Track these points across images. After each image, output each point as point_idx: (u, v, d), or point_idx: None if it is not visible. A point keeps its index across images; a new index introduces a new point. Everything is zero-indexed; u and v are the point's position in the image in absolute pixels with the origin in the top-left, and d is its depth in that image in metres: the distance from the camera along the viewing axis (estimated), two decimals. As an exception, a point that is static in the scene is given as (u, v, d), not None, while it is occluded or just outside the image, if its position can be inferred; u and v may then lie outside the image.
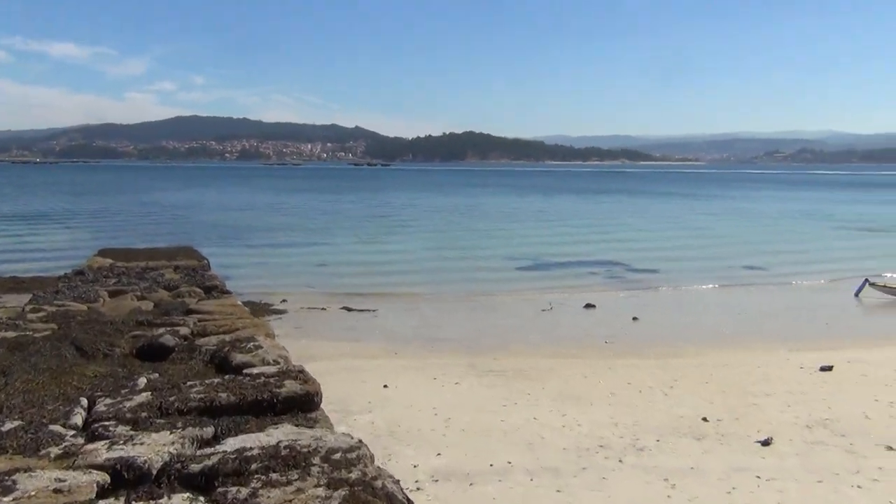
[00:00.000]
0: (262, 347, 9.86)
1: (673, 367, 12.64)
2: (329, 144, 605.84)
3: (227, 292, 17.31)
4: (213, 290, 17.43)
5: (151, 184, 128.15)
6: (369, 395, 10.55)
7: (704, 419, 9.50)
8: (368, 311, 20.15)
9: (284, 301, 21.81)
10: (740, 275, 27.57)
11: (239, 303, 14.84)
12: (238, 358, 8.94)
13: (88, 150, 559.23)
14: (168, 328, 11.46)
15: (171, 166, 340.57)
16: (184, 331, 11.39)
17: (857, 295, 22.23)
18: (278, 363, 9.30)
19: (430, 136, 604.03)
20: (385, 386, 11.09)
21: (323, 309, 20.40)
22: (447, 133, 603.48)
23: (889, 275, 25.15)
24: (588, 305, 20.71)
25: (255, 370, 8.16)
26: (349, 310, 20.40)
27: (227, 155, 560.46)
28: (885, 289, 22.14)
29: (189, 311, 13.46)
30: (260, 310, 19.94)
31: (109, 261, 25.02)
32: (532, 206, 70.06)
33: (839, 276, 26.69)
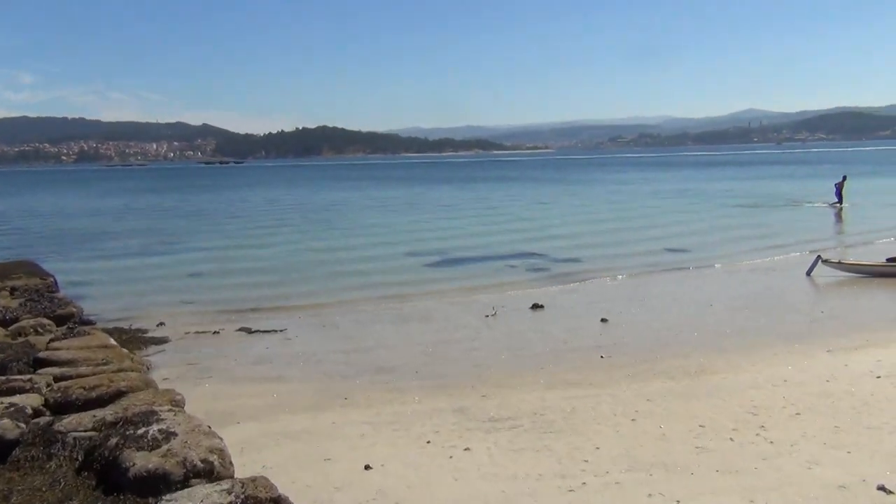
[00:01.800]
0: (172, 433, 6.07)
1: (726, 390, 9.73)
2: (176, 143, 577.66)
3: (89, 321, 13.00)
4: (69, 319, 13.07)
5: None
6: (352, 489, 6.87)
7: (884, 489, 6.52)
8: (274, 331, 16.19)
9: (162, 325, 17.45)
10: (670, 259, 25.47)
11: (110, 340, 10.70)
12: (137, 462, 5.28)
13: None
14: (4, 399, 7.59)
15: (0, 171, 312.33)
16: (32, 401, 7.47)
17: (808, 274, 20.47)
18: (211, 467, 5.56)
19: (282, 131, 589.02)
20: (367, 467, 7.41)
21: (216, 333, 16.25)
22: (300, 128, 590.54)
23: (837, 249, 23.85)
24: (535, 306, 17.68)
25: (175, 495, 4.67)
26: (250, 331, 16.35)
27: (63, 158, 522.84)
28: (841, 265, 20.48)
29: (39, 362, 9.31)
30: (133, 339, 15.68)
31: None
32: (404, 198, 66.71)
33: (769, 255, 25.16)
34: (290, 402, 10.33)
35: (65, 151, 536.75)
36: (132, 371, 8.77)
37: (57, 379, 8.52)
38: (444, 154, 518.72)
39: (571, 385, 10.57)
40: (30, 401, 7.55)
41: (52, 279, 21.15)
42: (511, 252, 28.07)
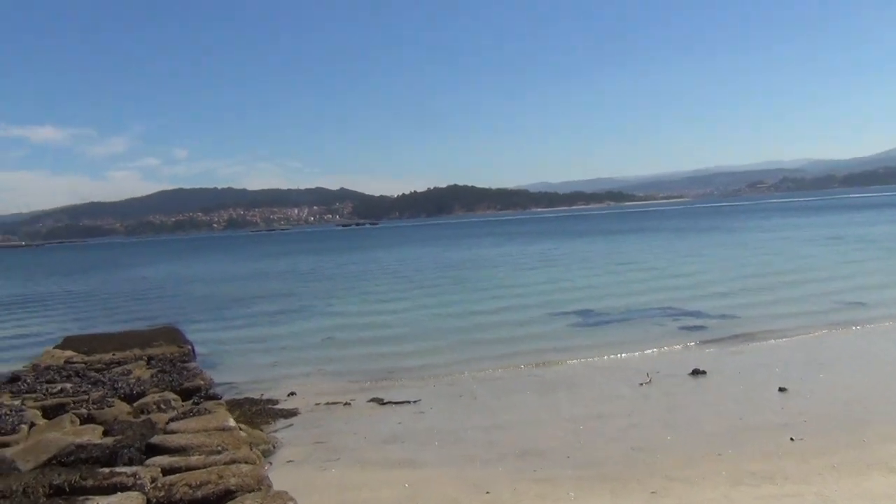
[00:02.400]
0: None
1: None
2: (315, 207, 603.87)
3: (214, 396, 12.22)
4: (195, 392, 12.36)
5: (135, 259, 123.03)
6: None
7: None
8: (407, 402, 15.01)
9: (293, 395, 16.68)
10: (844, 315, 22.49)
11: (230, 421, 9.76)
12: None
13: (75, 230, 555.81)
14: (104, 500, 6.44)
15: (158, 240, 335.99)
16: (133, 502, 6.37)
17: None
18: None
19: (415, 192, 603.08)
20: None
21: (347, 404, 15.25)
22: (432, 188, 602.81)
23: None
24: (696, 372, 15.63)
25: None
26: (382, 402, 15.26)
27: (214, 225, 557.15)
28: None
29: (151, 449, 8.44)
30: (262, 412, 14.83)
31: (70, 353, 19.94)
32: (538, 254, 65.11)
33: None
34: (424, 494, 8.98)
35: (215, 219, 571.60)
36: (246, 463, 7.70)
37: (165, 471, 7.59)
38: (575, 207, 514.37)
39: (761, 479, 8.63)
40: (130, 502, 6.62)
41: (188, 347, 21.09)
42: (660, 309, 25.89)
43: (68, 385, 13.96)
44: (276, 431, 13.26)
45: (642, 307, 26.56)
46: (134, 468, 7.49)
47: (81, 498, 6.61)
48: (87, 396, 12.36)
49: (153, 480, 7.13)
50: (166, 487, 6.84)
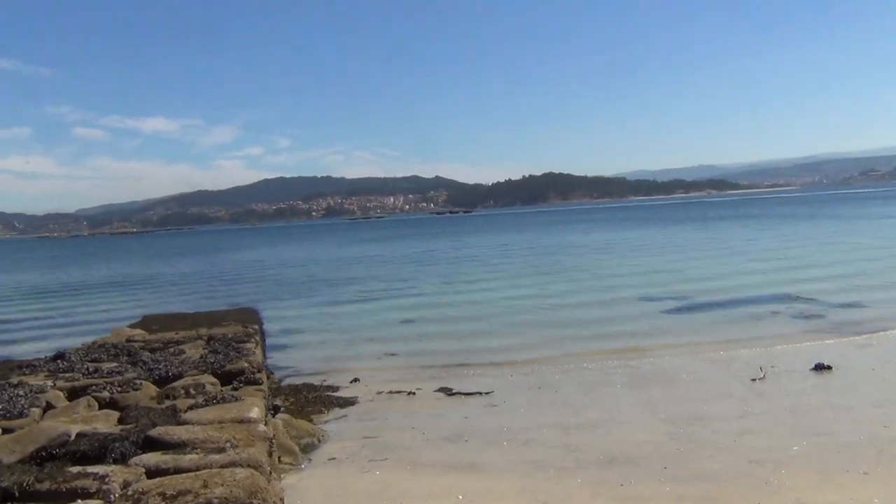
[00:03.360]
0: None
1: None
2: (411, 196, 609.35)
3: (255, 381, 10.76)
4: (237, 376, 10.95)
5: (235, 244, 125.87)
6: None
7: None
8: (478, 394, 13.24)
9: (356, 381, 15.20)
10: None
11: (252, 413, 8.19)
12: None
13: (183, 217, 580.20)
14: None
15: (260, 228, 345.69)
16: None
17: None
18: None
19: (509, 180, 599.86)
20: None
21: (411, 393, 13.62)
22: (527, 176, 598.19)
23: None
24: (820, 367, 13.21)
25: None
26: (450, 393, 13.55)
27: (313, 213, 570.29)
28: None
29: (148, 443, 7.00)
30: (317, 400, 13.35)
31: (138, 331, 19.05)
32: (636, 240, 61.97)
33: None
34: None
35: (314, 207, 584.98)
36: (249, 467, 6.10)
37: (150, 472, 6.09)
38: (674, 195, 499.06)
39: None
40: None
41: (253, 328, 20.01)
42: (771, 296, 23.16)
43: (111, 365, 12.88)
44: (326, 422, 11.75)
45: (749, 294, 23.85)
46: (107, 469, 6.02)
47: (22, 511, 5.15)
48: (119, 377, 11.16)
49: (125, 486, 5.62)
50: (135, 497, 5.31)
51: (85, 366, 12.93)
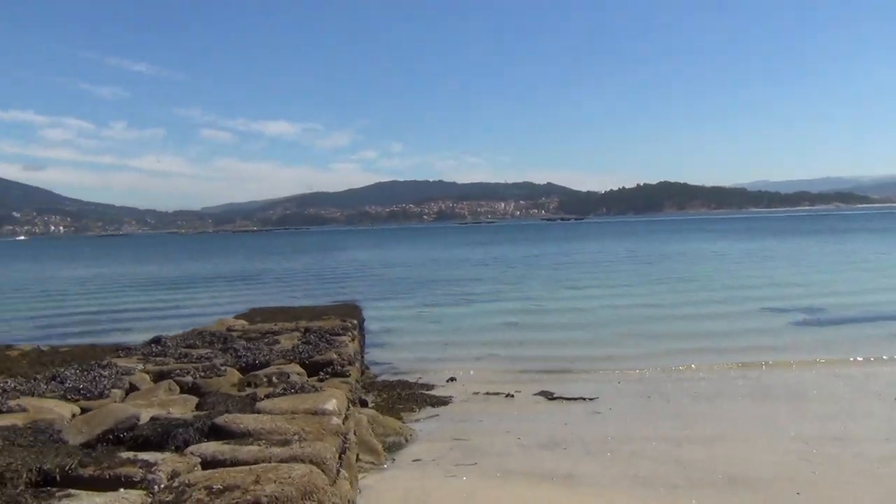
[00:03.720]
0: None
1: None
2: (522, 202, 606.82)
3: (342, 373, 10.17)
4: (326, 367, 10.46)
5: (347, 243, 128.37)
6: None
7: None
8: (581, 399, 12.24)
9: (452, 380, 14.48)
10: None
11: (329, 404, 7.52)
12: None
13: (301, 217, 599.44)
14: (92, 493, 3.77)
15: (373, 229, 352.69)
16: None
17: None
18: None
19: (623, 188, 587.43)
20: None
21: (509, 396, 12.77)
22: (641, 184, 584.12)
23: None
24: (980, 391, 11.49)
25: None
26: (550, 397, 12.60)
27: (424, 217, 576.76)
28: None
29: (214, 431, 6.44)
30: (410, 398, 12.71)
31: (241, 322, 19.17)
32: (759, 251, 58.61)
33: None
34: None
35: (426, 211, 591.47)
36: (308, 463, 5.43)
37: (206, 463, 5.52)
38: (798, 208, 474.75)
39: None
40: (123, 505, 4.57)
41: (353, 322, 19.62)
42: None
43: (203, 351, 12.68)
44: (416, 421, 11.05)
45: (886, 311, 21.64)
46: (159, 456, 5.48)
47: (60, 493, 4.65)
48: (206, 363, 10.86)
49: (173, 476, 5.05)
50: (180, 489, 4.72)
51: (179, 350, 12.79)
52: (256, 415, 6.89)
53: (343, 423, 7.11)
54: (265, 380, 9.49)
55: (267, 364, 10.86)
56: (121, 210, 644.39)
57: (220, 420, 6.60)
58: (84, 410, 8.28)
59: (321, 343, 13.19)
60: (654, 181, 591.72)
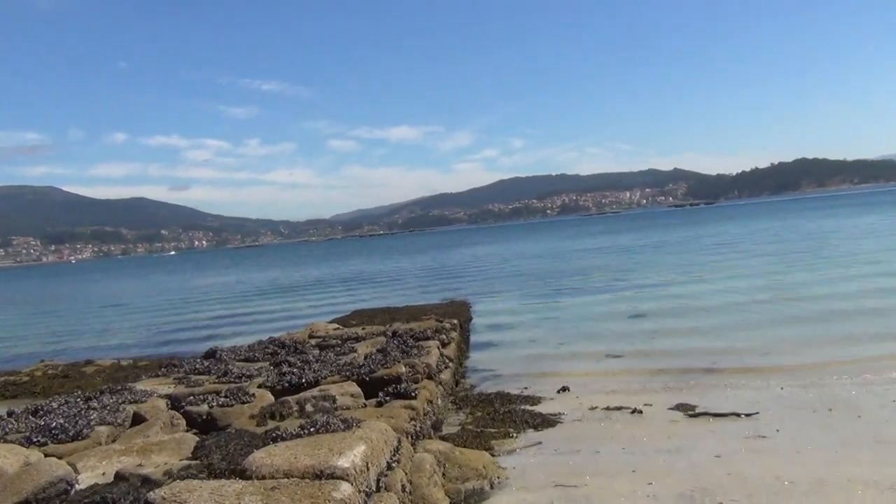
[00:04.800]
0: None
1: None
2: (648, 190, 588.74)
3: (406, 394, 7.61)
4: (392, 384, 7.92)
5: (469, 240, 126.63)
6: None
7: None
8: (734, 415, 9.17)
9: (564, 390, 11.70)
10: None
11: (343, 461, 4.83)
12: None
13: (425, 219, 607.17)
14: None
15: (496, 227, 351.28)
16: None
17: None
18: None
19: (756, 168, 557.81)
20: None
21: (636, 411, 9.84)
22: (775, 163, 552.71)
23: None
24: None
25: None
26: (691, 413, 9.58)
27: (548, 211, 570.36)
28: None
29: (235, 471, 3.96)
30: (509, 417, 10.06)
31: (333, 326, 17.35)
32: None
33: None
34: None
35: (549, 205, 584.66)
36: None
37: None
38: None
39: None
40: None
41: (451, 323, 17.14)
42: None
43: (260, 365, 10.53)
44: (511, 453, 8.34)
45: None
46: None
47: None
48: (235, 385, 8.64)
49: None
50: None
51: (230, 366, 10.70)
52: (223, 483, 4.44)
53: (364, 487, 4.58)
54: (296, 407, 7.10)
55: (315, 383, 8.51)
56: (257, 223, 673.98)
57: (154, 496, 4.20)
58: (48, 455, 6.16)
59: (400, 351, 10.78)
60: (789, 159, 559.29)
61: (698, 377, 11.98)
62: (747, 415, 9.13)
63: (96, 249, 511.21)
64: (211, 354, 11.68)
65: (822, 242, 41.78)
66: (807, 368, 11.99)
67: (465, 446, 8.48)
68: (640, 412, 9.78)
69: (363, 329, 16.03)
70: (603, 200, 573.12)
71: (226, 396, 7.68)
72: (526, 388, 12.33)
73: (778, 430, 8.34)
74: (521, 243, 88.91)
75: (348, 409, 7.34)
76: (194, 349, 19.86)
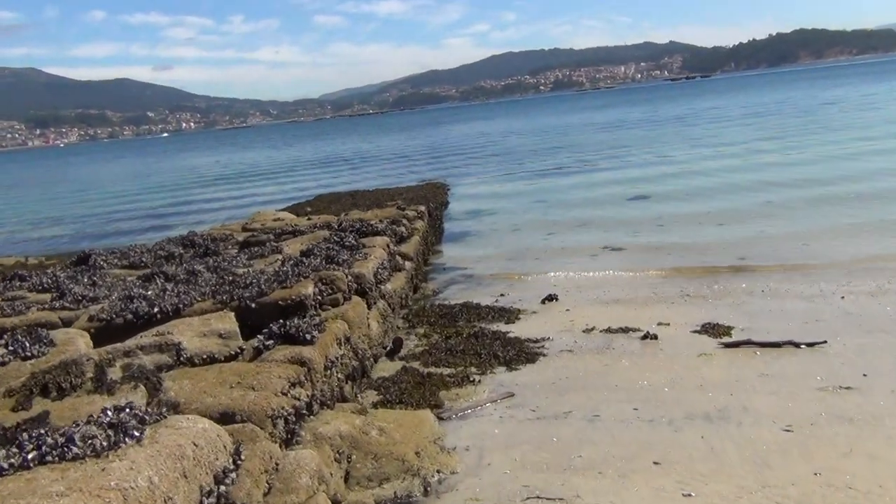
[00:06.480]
0: None
1: None
2: (643, 64, 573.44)
3: (302, 338, 4.89)
4: (290, 314, 5.14)
5: (459, 118, 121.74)
6: None
7: None
8: (790, 345, 6.45)
9: (551, 300, 8.96)
10: None
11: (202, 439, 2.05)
12: None
13: (416, 97, 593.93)
14: None
15: (487, 104, 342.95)
16: None
17: None
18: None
19: (753, 40, 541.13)
20: None
21: (650, 337, 7.07)
22: (773, 34, 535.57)
23: None
24: None
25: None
26: (729, 343, 6.82)
27: (541, 87, 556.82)
28: None
29: None
30: (475, 345, 7.27)
31: (283, 214, 14.65)
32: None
33: None
34: None
35: (542, 81, 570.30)
36: None
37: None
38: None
39: None
40: None
41: (418, 210, 14.28)
42: None
43: (138, 274, 7.68)
44: (468, 415, 5.60)
45: None
46: None
47: None
48: (63, 311, 5.86)
49: None
50: None
51: (94, 276, 7.86)
52: None
53: None
54: (91, 372, 4.26)
55: (176, 313, 5.67)
56: (245, 103, 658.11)
57: None
58: None
59: (334, 252, 7.93)
60: (787, 30, 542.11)
61: (725, 279, 9.23)
62: (810, 344, 6.39)
63: (82, 133, 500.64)
64: (83, 260, 8.83)
65: (828, 115, 38.47)
66: (864, 265, 9.25)
67: (401, 402, 5.76)
68: (655, 337, 7.02)
69: (308, 219, 13.17)
70: (597, 75, 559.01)
71: (8, 344, 4.86)
72: (502, 295, 9.59)
73: (866, 375, 5.61)
74: (512, 120, 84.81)
75: (195, 365, 4.58)
76: (126, 241, 17.00)
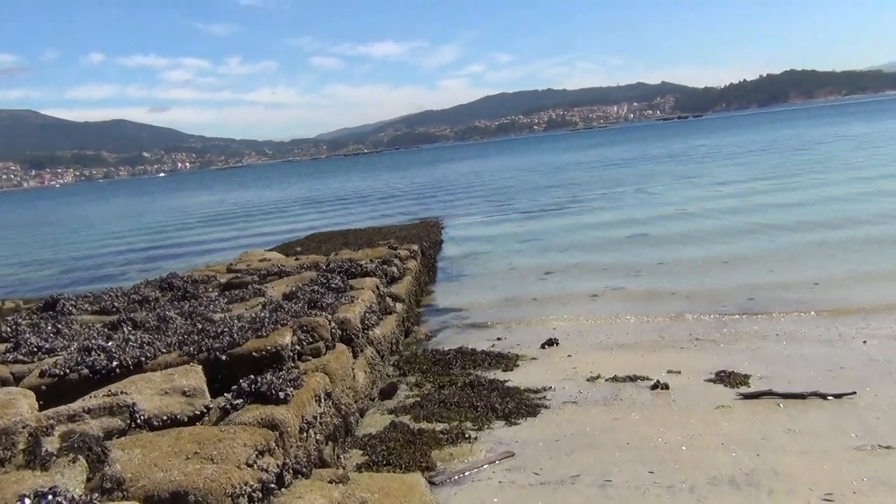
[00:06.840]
0: None
1: None
2: (636, 104, 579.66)
3: (274, 396, 4.29)
4: (264, 366, 4.56)
5: (453, 157, 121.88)
6: None
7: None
8: (815, 396, 5.88)
9: (551, 344, 8.47)
10: None
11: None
12: None
13: (411, 137, 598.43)
14: None
15: (481, 143, 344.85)
16: None
17: None
18: None
19: (744, 80, 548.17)
20: None
21: (660, 386, 6.47)
22: (764, 75, 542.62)
23: None
24: None
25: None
26: (748, 394, 6.28)
27: (534, 127, 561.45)
28: None
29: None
30: (471, 396, 6.73)
31: (272, 254, 14.14)
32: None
33: None
34: None
35: (535, 121, 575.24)
36: None
37: None
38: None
39: None
40: None
41: (411, 250, 13.77)
42: None
43: (107, 320, 7.12)
44: (463, 479, 5.03)
45: None
46: None
47: None
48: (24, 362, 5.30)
49: None
50: None
51: (59, 324, 7.30)
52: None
53: None
54: (21, 443, 3.67)
55: (138, 367, 5.11)
56: (241, 143, 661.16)
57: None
58: None
59: (319, 295, 7.39)
60: (777, 71, 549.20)
61: (735, 323, 8.69)
62: (837, 396, 5.84)
63: (78, 173, 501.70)
64: (51, 305, 8.27)
65: (823, 151, 38.29)
66: (884, 307, 8.73)
67: (388, 464, 5.17)
68: (666, 387, 6.46)
69: (296, 259, 12.63)
70: (590, 115, 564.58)
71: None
72: (499, 339, 9.04)
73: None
74: (506, 159, 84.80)
75: (154, 429, 4.01)
76: (112, 284, 16.40)
